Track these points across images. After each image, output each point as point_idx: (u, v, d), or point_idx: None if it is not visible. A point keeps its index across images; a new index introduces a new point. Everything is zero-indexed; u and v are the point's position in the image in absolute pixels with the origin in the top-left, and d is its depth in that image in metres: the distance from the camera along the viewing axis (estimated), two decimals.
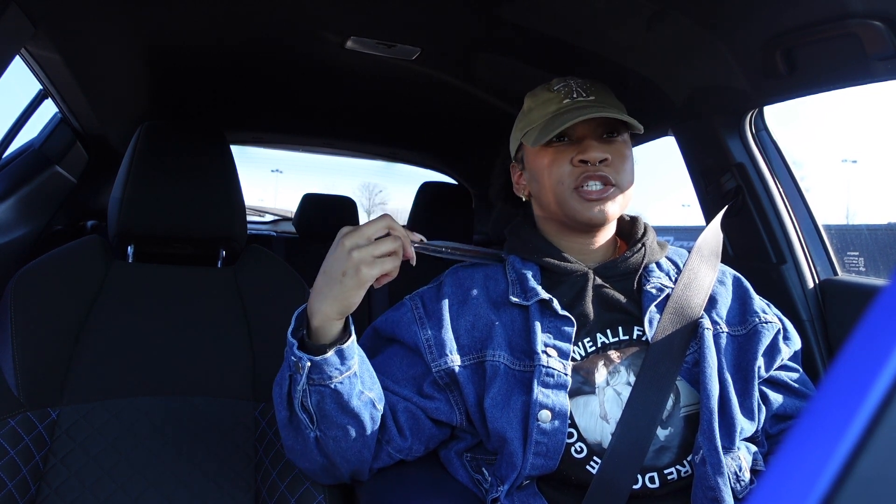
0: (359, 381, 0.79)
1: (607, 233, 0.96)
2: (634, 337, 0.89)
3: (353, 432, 0.81)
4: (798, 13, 0.95)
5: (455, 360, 0.88)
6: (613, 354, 0.87)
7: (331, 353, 0.76)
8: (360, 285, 0.75)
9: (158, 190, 1.18)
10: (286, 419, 0.83)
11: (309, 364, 0.75)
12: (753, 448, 0.88)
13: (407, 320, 0.93)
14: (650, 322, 0.88)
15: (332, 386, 0.77)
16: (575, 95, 0.92)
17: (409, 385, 0.90)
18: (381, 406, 0.84)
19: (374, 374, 0.85)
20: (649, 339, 0.87)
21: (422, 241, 0.82)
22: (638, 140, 1.62)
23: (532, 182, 0.97)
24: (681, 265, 0.98)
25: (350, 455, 0.84)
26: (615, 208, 0.90)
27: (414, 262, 0.79)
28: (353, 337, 0.79)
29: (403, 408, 0.88)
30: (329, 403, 0.78)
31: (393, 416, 0.88)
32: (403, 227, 0.78)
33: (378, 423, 0.84)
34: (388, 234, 0.77)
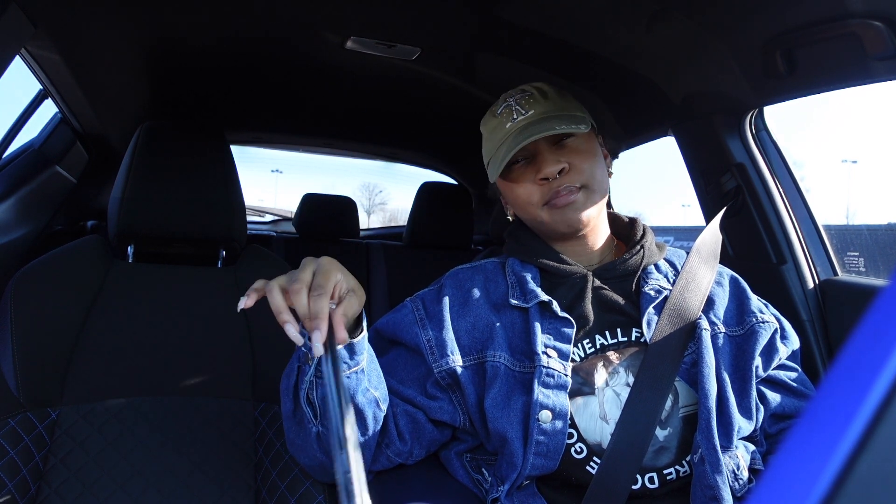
0: (366, 377, 0.79)
1: (598, 234, 0.97)
2: (633, 338, 0.89)
3: None
4: (798, 13, 0.95)
5: (457, 360, 0.88)
6: (612, 356, 0.87)
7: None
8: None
9: (158, 190, 1.18)
10: (290, 411, 0.83)
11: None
12: (752, 447, 0.89)
13: (408, 322, 0.93)
14: (648, 323, 0.88)
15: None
16: (515, 116, 0.92)
17: (414, 385, 0.90)
18: (384, 406, 0.84)
19: (382, 374, 0.85)
20: (647, 340, 0.87)
21: None
22: (637, 140, 1.62)
23: (509, 205, 0.99)
24: (679, 266, 0.98)
25: None
26: (590, 210, 0.90)
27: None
28: (365, 332, 0.79)
29: (403, 411, 0.88)
30: None
31: (393, 419, 0.88)
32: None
33: (380, 424, 0.84)
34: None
